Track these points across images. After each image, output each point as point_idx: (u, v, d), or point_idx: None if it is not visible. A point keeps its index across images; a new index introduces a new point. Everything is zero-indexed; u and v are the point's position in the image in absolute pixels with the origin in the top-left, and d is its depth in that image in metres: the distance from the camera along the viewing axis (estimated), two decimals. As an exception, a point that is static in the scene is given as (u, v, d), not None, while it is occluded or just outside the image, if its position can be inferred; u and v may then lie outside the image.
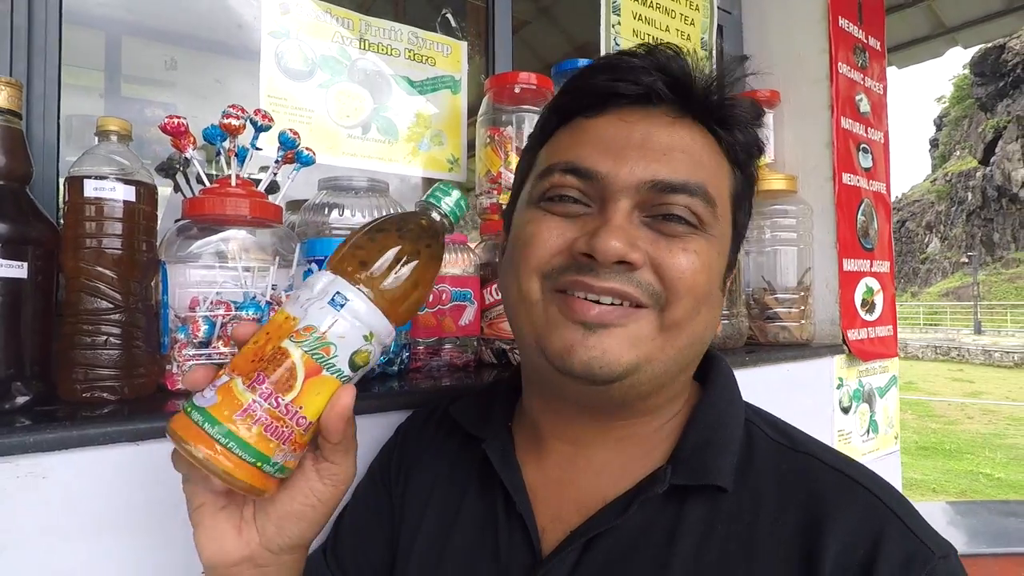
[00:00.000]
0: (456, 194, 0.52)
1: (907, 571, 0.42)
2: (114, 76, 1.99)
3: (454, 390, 0.81)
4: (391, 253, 0.46)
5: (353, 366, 0.44)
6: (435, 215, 0.52)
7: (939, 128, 45.18)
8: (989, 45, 33.46)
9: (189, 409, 0.42)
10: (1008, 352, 15.96)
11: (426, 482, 0.63)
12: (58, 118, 0.80)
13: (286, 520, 0.47)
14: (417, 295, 0.48)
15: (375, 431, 0.75)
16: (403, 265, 0.46)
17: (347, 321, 0.44)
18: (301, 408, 0.42)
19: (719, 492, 0.49)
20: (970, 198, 37.48)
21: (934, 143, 45.51)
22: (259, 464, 0.41)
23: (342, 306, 0.44)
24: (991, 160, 35.91)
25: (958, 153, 40.95)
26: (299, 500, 0.47)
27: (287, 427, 0.42)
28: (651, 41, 0.57)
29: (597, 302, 0.48)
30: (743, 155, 0.56)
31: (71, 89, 0.77)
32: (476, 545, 0.56)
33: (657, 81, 0.51)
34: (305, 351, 0.42)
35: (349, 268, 0.45)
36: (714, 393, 0.56)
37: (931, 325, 26.27)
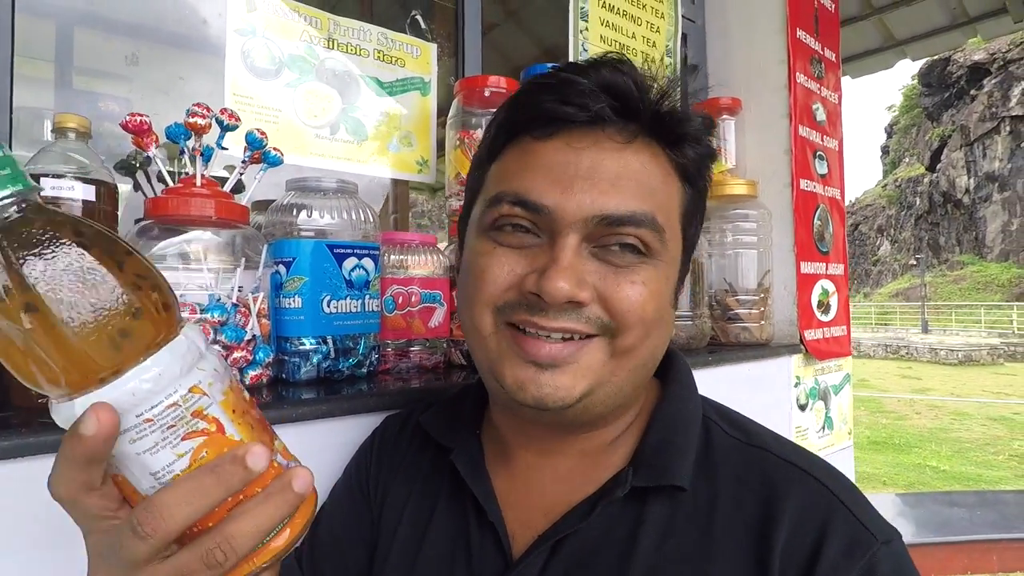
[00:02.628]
0: None
1: (850, 557, 0.44)
2: (66, 68, 1.92)
3: (426, 392, 0.81)
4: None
5: None
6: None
7: (889, 136, 47.11)
8: (936, 58, 35.03)
9: None
10: (953, 350, 16.74)
11: (401, 492, 0.63)
12: (11, 107, 0.77)
13: None
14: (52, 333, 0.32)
15: (348, 434, 0.74)
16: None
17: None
18: None
19: (678, 491, 0.51)
20: (918, 203, 39.20)
21: (885, 150, 47.42)
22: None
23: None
24: (937, 167, 37.64)
25: (907, 160, 42.78)
26: None
27: None
28: (617, 48, 0.56)
29: (548, 337, 0.49)
30: (693, 170, 0.55)
31: (17, 79, 0.74)
32: (449, 553, 0.57)
33: (605, 107, 0.50)
34: None
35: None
36: (673, 393, 0.58)
37: (882, 325, 27.37)
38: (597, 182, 0.49)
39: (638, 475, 0.51)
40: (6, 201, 0.32)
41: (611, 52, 0.53)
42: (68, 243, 0.32)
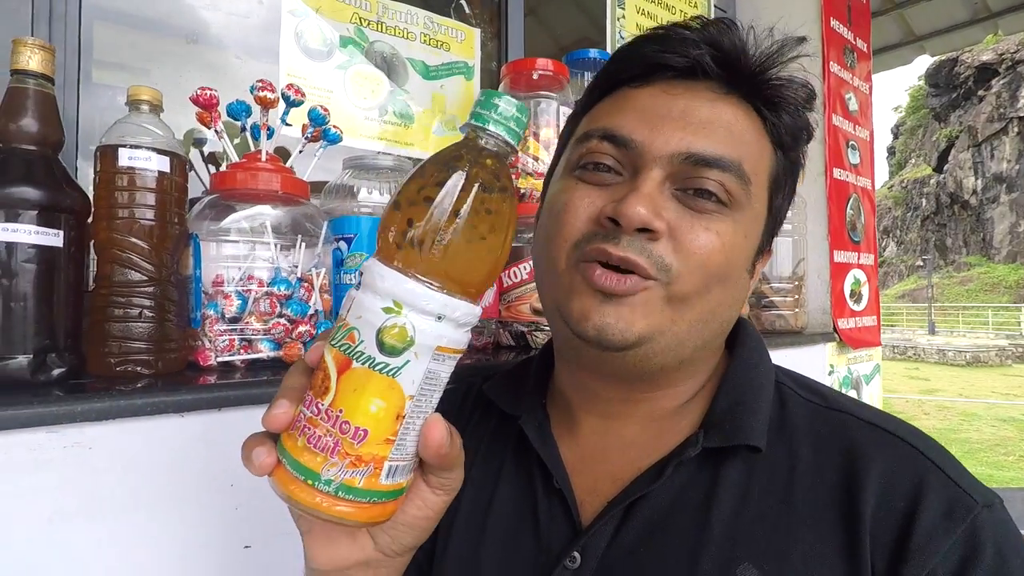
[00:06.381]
0: (505, 102, 0.38)
1: (949, 521, 0.42)
2: (85, 61, 1.93)
3: (484, 367, 0.81)
4: (421, 204, 0.36)
5: (385, 348, 0.35)
6: (483, 139, 0.39)
7: (896, 136, 46.91)
8: (943, 58, 34.94)
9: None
10: (960, 351, 16.64)
11: (465, 461, 0.63)
12: (78, 88, 0.78)
13: (399, 530, 0.45)
14: (477, 245, 0.37)
15: (410, 407, 0.75)
16: (440, 212, 0.36)
17: (363, 297, 0.36)
18: (342, 412, 0.36)
19: (754, 453, 0.49)
20: (924, 204, 39.03)
21: (891, 151, 47.22)
22: (309, 481, 0.36)
23: (358, 283, 0.38)
24: (944, 168, 37.48)
25: (913, 161, 42.60)
26: (411, 512, 0.44)
27: (329, 435, 0.36)
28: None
29: (616, 269, 0.48)
30: (788, 138, 0.54)
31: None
32: (516, 520, 0.56)
33: (704, 55, 0.50)
34: (333, 346, 0.37)
35: (380, 241, 0.38)
36: (742, 357, 0.57)
37: (888, 326, 27.22)
38: (687, 123, 0.49)
39: (709, 437, 0.50)
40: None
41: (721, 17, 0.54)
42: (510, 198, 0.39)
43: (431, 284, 0.36)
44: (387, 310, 0.35)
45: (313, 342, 0.40)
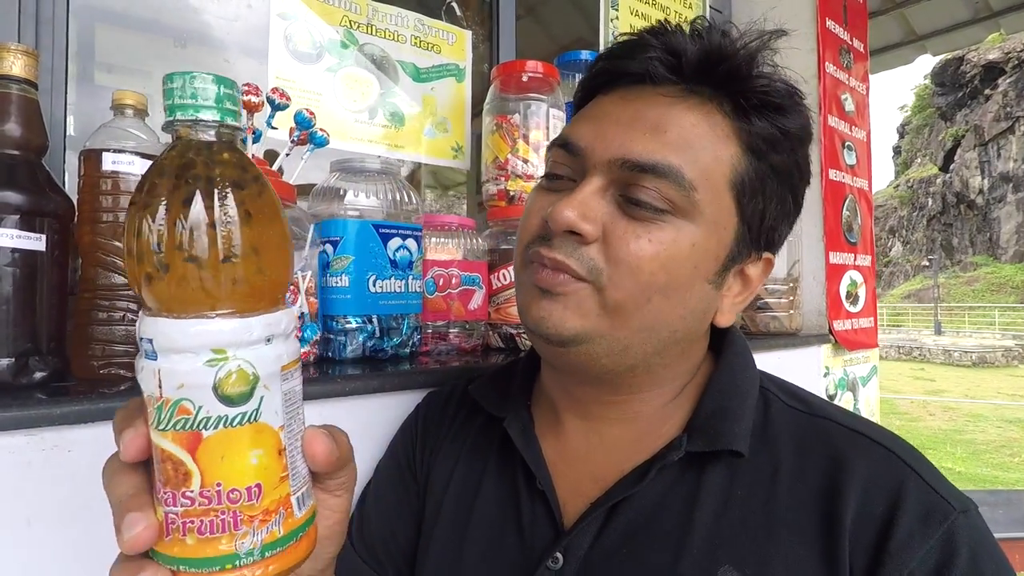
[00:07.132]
0: (201, 81, 0.32)
1: (926, 526, 0.43)
2: (87, 64, 1.94)
3: (471, 370, 0.81)
4: (186, 239, 0.31)
5: (232, 400, 0.32)
6: (202, 132, 0.33)
7: (901, 136, 46.68)
8: (949, 56, 34.74)
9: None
10: (967, 352, 16.54)
11: (448, 462, 0.64)
12: (65, 92, 0.79)
13: (320, 545, 0.43)
14: (267, 248, 0.33)
15: (394, 410, 0.75)
16: (214, 238, 0.31)
17: (171, 364, 0.31)
18: (221, 484, 0.32)
19: (736, 457, 0.50)
20: (930, 204, 38.82)
21: (897, 150, 47.01)
22: (228, 566, 0.32)
23: (152, 352, 0.32)
24: (950, 167, 37.28)
25: (919, 160, 42.38)
26: (323, 524, 0.42)
27: (223, 513, 0.32)
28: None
29: (554, 270, 0.50)
30: (760, 143, 0.51)
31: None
32: (499, 520, 0.57)
33: (655, 60, 0.50)
34: (164, 430, 0.32)
35: (151, 293, 0.32)
36: (726, 362, 0.57)
37: (894, 326, 27.09)
38: (631, 129, 0.50)
39: (692, 441, 0.51)
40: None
41: (698, 17, 0.54)
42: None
43: (242, 313, 0.32)
44: (212, 362, 0.31)
45: (123, 422, 0.34)
